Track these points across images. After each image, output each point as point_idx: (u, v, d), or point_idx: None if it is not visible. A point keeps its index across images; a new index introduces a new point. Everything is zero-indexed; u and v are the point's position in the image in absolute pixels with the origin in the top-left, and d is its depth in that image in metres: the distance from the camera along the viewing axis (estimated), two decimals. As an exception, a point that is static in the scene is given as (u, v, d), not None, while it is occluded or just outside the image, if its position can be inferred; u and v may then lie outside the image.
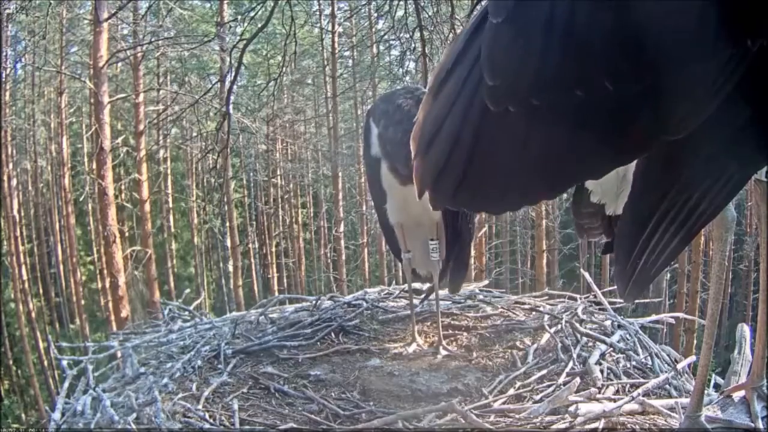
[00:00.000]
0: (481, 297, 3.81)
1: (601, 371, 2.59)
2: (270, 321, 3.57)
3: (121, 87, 14.25)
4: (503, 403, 2.36)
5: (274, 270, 18.02)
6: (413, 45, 6.61)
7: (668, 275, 13.43)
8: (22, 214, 15.79)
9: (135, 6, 10.89)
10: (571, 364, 2.68)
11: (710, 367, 1.86)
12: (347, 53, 16.43)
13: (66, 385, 3.02)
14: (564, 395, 2.22)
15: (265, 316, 3.61)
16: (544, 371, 2.66)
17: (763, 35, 0.99)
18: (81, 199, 14.98)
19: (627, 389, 2.46)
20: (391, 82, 14.25)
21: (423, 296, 3.65)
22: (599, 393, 2.38)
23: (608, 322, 3.19)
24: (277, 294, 9.94)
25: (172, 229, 17.58)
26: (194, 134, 16.51)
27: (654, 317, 3.51)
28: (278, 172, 18.43)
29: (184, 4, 13.59)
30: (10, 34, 13.15)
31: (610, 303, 3.32)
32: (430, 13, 6.14)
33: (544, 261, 13.31)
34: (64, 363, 3.21)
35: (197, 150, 16.23)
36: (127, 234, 15.03)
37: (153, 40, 12.38)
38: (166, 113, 13.34)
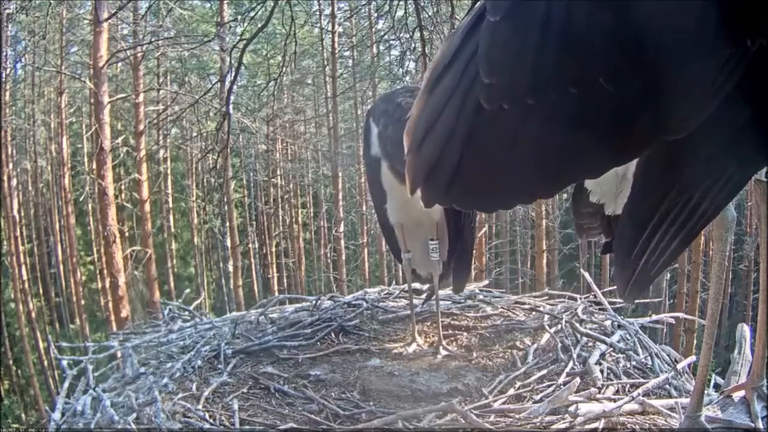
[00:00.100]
0: (481, 297, 3.81)
1: (601, 371, 2.59)
2: (270, 321, 3.57)
3: (121, 87, 14.25)
4: (503, 403, 2.36)
5: (274, 270, 18.02)
6: (413, 45, 6.61)
7: (668, 275, 13.44)
8: (22, 214, 15.80)
9: (135, 6, 10.89)
10: (571, 364, 2.68)
11: (710, 367, 1.86)
12: (347, 53, 16.44)
13: (66, 385, 3.02)
14: (564, 395, 2.22)
15: (265, 316, 3.61)
16: (544, 371, 2.66)
17: (763, 35, 0.99)
18: (81, 199, 14.98)
19: (627, 389, 2.46)
20: (391, 82, 14.25)
21: (424, 299, 3.66)
22: (599, 393, 2.38)
23: (608, 322, 3.19)
24: (277, 294, 9.94)
25: (172, 229, 17.58)
26: (194, 134, 16.52)
27: (654, 317, 3.51)
28: (278, 172, 18.43)
29: (184, 4, 13.59)
30: (10, 34, 13.15)
31: (610, 303, 3.32)
32: (430, 13, 6.15)
33: (544, 261, 13.31)
34: (64, 363, 3.21)
35: (197, 150, 16.23)
36: (127, 234, 15.04)
37: (153, 40, 12.38)
38: (166, 113, 13.34)
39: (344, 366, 2.90)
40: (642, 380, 2.51)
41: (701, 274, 11.03)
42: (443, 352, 2.98)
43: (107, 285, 11.22)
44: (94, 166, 10.89)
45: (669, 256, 1.30)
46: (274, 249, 18.38)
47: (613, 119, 1.10)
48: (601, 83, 1.05)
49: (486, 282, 4.88)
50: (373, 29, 14.57)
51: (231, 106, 7.60)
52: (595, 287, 3.49)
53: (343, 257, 14.88)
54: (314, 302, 3.82)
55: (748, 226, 12.17)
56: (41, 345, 14.77)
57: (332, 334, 3.26)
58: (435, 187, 1.24)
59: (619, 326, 3.14)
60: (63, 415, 2.74)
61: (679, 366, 2.74)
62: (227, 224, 14.45)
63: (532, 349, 2.91)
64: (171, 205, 17.38)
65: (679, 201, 1.22)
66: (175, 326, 3.56)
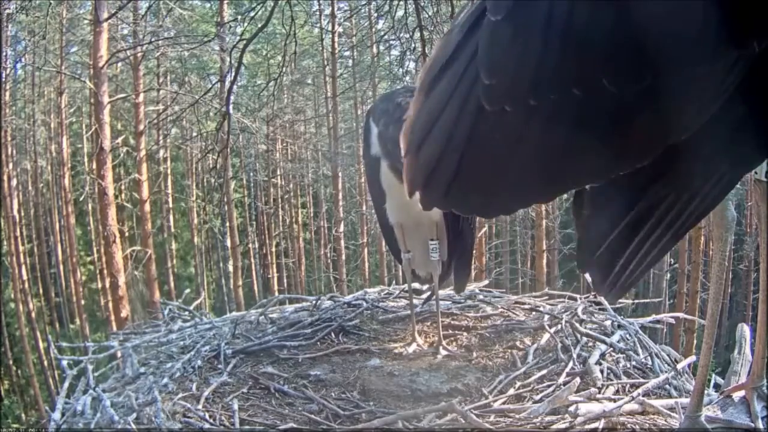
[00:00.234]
0: (481, 297, 3.81)
1: (601, 371, 2.59)
2: (270, 321, 3.57)
3: (121, 87, 14.24)
4: (503, 403, 2.36)
5: (274, 270, 18.02)
6: (413, 45, 6.61)
7: (668, 275, 13.44)
8: (22, 214, 15.80)
9: (135, 6, 10.89)
10: (571, 364, 2.68)
11: (710, 367, 1.86)
12: (347, 53, 16.44)
13: (66, 385, 3.02)
14: (564, 395, 2.22)
15: (265, 316, 3.61)
16: (544, 371, 2.66)
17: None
18: (81, 199, 14.98)
19: (627, 389, 2.46)
20: (391, 82, 14.25)
21: (424, 299, 3.65)
22: (599, 393, 2.38)
23: (608, 322, 3.19)
24: (277, 294, 9.94)
25: (172, 229, 17.57)
26: (194, 134, 16.52)
27: (654, 317, 3.51)
28: (278, 172, 18.44)
29: (184, 4, 13.59)
30: (10, 34, 13.15)
31: (610, 303, 3.32)
32: (430, 13, 6.15)
33: (544, 261, 13.31)
34: (64, 363, 3.21)
35: (197, 150, 16.24)
36: (127, 234, 15.03)
37: (153, 40, 12.38)
38: (166, 113, 13.34)
39: (344, 366, 2.90)
40: (642, 380, 2.51)
41: (701, 274, 11.03)
42: (443, 352, 2.98)
43: (107, 285, 11.22)
44: (94, 166, 10.89)
45: (656, 254, 1.27)
46: (274, 249, 18.38)
47: (618, 122, 1.07)
48: (605, 84, 1.02)
49: (486, 282, 4.88)
50: (373, 29, 14.57)
51: (231, 106, 7.60)
52: (595, 287, 3.49)
53: (343, 257, 14.88)
54: (314, 302, 3.82)
55: (748, 226, 12.16)
56: (41, 345, 14.77)
57: (332, 334, 3.26)
58: (434, 190, 1.22)
59: (619, 326, 3.14)
60: (63, 415, 2.74)
61: (679, 366, 2.74)
62: (227, 224, 14.45)
63: (532, 349, 2.91)
64: (171, 205, 17.38)
65: (665, 198, 1.19)
66: (175, 326, 3.56)
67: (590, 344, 2.92)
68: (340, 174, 14.35)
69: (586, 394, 2.32)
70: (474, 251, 4.22)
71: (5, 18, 10.31)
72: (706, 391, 1.85)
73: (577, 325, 3.08)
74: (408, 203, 2.96)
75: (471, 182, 1.20)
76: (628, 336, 3.04)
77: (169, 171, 17.29)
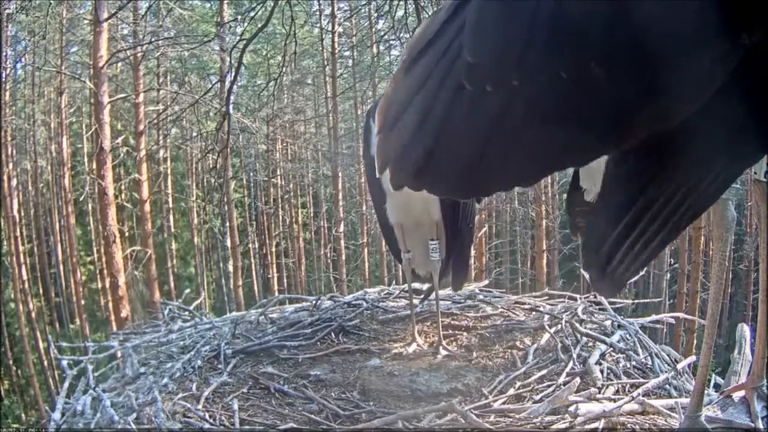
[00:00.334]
0: (481, 297, 3.81)
1: (601, 371, 2.59)
2: (270, 321, 3.57)
3: (121, 87, 14.25)
4: (503, 403, 2.36)
5: (274, 270, 18.02)
6: (413, 45, 6.59)
7: (668, 275, 13.44)
8: (22, 214, 15.80)
9: (135, 6, 10.90)
10: (571, 364, 2.67)
11: (710, 367, 1.86)
12: (347, 53, 16.44)
13: (66, 385, 3.02)
14: (564, 395, 2.22)
15: (265, 316, 3.61)
16: (544, 371, 2.66)
17: (759, 30, 0.96)
18: (81, 199, 14.98)
19: (627, 389, 2.45)
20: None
21: (423, 296, 3.65)
22: (599, 393, 2.37)
23: (608, 322, 3.19)
24: (277, 294, 9.95)
25: (172, 229, 17.58)
26: (194, 134, 16.53)
27: (654, 317, 3.51)
28: (278, 172, 18.44)
29: (184, 4, 13.60)
30: (10, 34, 13.15)
31: (610, 303, 3.32)
32: (430, 13, 6.14)
33: (544, 261, 13.31)
34: (64, 363, 3.21)
35: (197, 150, 16.24)
36: (127, 234, 15.03)
37: (153, 40, 12.38)
38: (166, 113, 13.35)
39: (344, 366, 2.90)
40: (642, 380, 2.51)
41: (701, 274, 11.02)
42: (443, 352, 2.98)
43: (107, 285, 11.22)
44: (94, 166, 10.89)
45: (653, 250, 1.24)
46: (274, 249, 18.38)
47: (603, 107, 1.06)
48: (592, 68, 1.01)
49: (486, 282, 4.88)
50: (373, 29, 14.58)
51: (231, 106, 7.60)
52: (595, 287, 3.49)
53: (343, 257, 14.88)
54: (314, 302, 3.82)
55: (748, 226, 12.17)
56: (41, 345, 14.78)
57: (332, 334, 3.26)
58: (406, 169, 1.18)
59: (619, 326, 3.14)
60: (63, 415, 2.74)
61: (679, 366, 2.74)
62: (227, 224, 14.45)
63: (532, 349, 2.91)
64: (171, 205, 17.39)
65: (663, 193, 1.17)
66: (175, 326, 3.56)
67: (590, 344, 2.91)
68: (340, 174, 14.35)
69: (586, 394, 2.32)
70: (472, 250, 4.23)
71: (5, 18, 10.31)
72: (706, 391, 1.85)
73: (577, 325, 3.08)
74: (408, 203, 2.99)
75: (446, 162, 1.17)
76: (628, 336, 3.04)
77: (169, 171, 17.30)
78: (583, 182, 2.16)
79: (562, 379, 2.53)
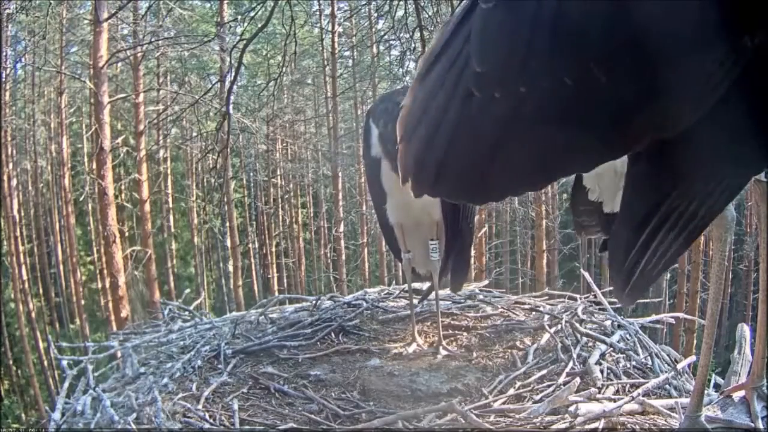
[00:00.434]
0: (481, 297, 3.81)
1: (601, 371, 2.59)
2: (270, 321, 3.57)
3: (121, 87, 14.25)
4: (503, 403, 2.36)
5: (274, 270, 18.02)
6: (413, 45, 6.60)
7: (668, 275, 13.44)
8: (22, 214, 15.80)
9: (135, 6, 10.89)
10: (571, 364, 2.67)
11: (710, 367, 1.85)
12: (347, 53, 16.44)
13: (66, 385, 3.02)
14: (564, 395, 2.22)
15: (265, 316, 3.61)
16: (544, 371, 2.66)
17: (761, 33, 0.97)
18: (81, 199, 14.98)
19: (627, 389, 2.45)
20: (391, 82, 14.25)
21: (422, 296, 3.65)
22: (599, 393, 2.37)
23: (608, 322, 3.19)
24: (277, 294, 9.94)
25: (172, 229, 17.58)
26: (194, 134, 16.51)
27: (654, 317, 3.51)
28: (278, 172, 18.43)
29: (184, 4, 13.60)
30: (10, 34, 13.15)
31: (610, 303, 3.32)
32: (430, 13, 6.15)
33: (544, 261, 13.31)
34: (64, 363, 3.21)
35: (197, 150, 16.24)
36: (127, 234, 15.03)
37: (153, 40, 12.38)
38: (166, 113, 13.35)
39: (344, 366, 2.90)
40: (642, 380, 2.51)
41: (701, 274, 11.03)
42: (443, 352, 2.98)
43: (107, 285, 11.22)
44: (94, 166, 10.89)
45: (668, 259, 1.27)
46: (274, 249, 18.38)
47: (607, 112, 1.07)
48: (595, 74, 1.02)
49: (486, 282, 4.88)
50: (373, 29, 14.58)
51: (231, 106, 7.60)
52: (595, 287, 3.49)
53: (343, 257, 14.88)
54: (314, 302, 3.82)
55: (748, 226, 12.17)
56: (41, 345, 14.77)
57: (332, 334, 3.26)
58: (424, 176, 1.22)
59: (619, 326, 3.14)
60: (63, 415, 2.74)
61: (679, 366, 2.74)
62: (227, 224, 14.46)
63: (532, 349, 2.91)
64: (171, 205, 17.38)
65: (679, 205, 1.19)
66: (175, 326, 3.56)
67: (590, 344, 2.91)
68: (340, 174, 14.35)
69: (586, 394, 2.31)
70: (473, 250, 4.23)
71: (5, 18, 10.31)
72: (706, 391, 1.85)
73: (577, 325, 3.08)
74: (408, 203, 2.99)
75: (459, 168, 1.20)
76: (628, 336, 3.04)
77: (169, 171, 17.29)
78: (586, 181, 2.16)
79: (562, 379, 2.53)
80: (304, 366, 2.90)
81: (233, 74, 7.29)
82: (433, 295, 3.40)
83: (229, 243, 14.36)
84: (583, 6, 1.03)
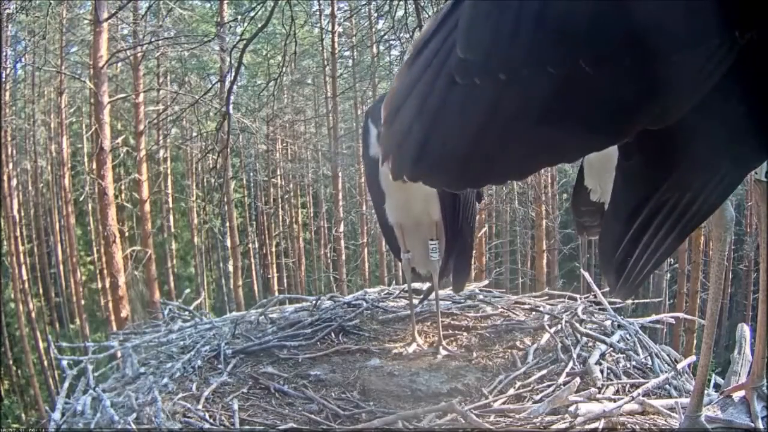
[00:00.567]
0: (481, 297, 3.81)
1: (601, 371, 2.59)
2: (270, 321, 3.57)
3: (121, 87, 14.25)
4: (503, 403, 2.36)
5: (274, 270, 18.02)
6: (413, 45, 6.60)
7: (668, 275, 13.45)
8: (22, 214, 15.80)
9: (135, 6, 10.90)
10: (571, 364, 2.67)
11: (710, 367, 1.86)
12: (347, 53, 16.44)
13: (66, 385, 3.02)
14: (564, 395, 2.22)
15: (265, 316, 3.61)
16: (544, 371, 2.66)
17: (752, 27, 0.95)
18: (81, 199, 14.98)
19: (627, 389, 2.45)
20: (391, 82, 14.21)
21: (422, 296, 3.65)
22: (599, 393, 2.37)
23: (608, 322, 3.19)
24: (277, 294, 9.94)
25: (172, 229, 17.58)
26: (194, 134, 16.52)
27: (654, 317, 3.51)
28: (278, 172, 18.44)
29: (184, 4, 13.60)
30: (10, 34, 13.15)
31: (610, 303, 3.31)
32: (430, 13, 6.14)
33: (544, 261, 13.32)
34: (64, 363, 3.21)
35: (197, 150, 16.24)
36: (127, 234, 15.03)
37: (153, 40, 12.38)
38: (166, 113, 13.35)
39: (344, 366, 2.90)
40: (642, 380, 2.51)
41: (701, 274, 11.03)
42: (443, 352, 2.98)
43: (107, 285, 11.22)
44: (94, 166, 10.89)
45: (662, 254, 1.27)
46: (274, 249, 18.38)
47: (591, 103, 1.06)
48: (580, 64, 1.01)
49: (486, 282, 4.88)
50: (373, 29, 14.58)
51: (231, 106, 7.60)
52: (595, 287, 3.49)
53: (343, 257, 14.88)
54: (314, 302, 3.82)
55: (748, 226, 12.17)
56: (41, 345, 14.78)
57: (332, 334, 3.26)
58: (404, 158, 1.22)
59: (619, 326, 3.14)
60: (63, 415, 2.74)
61: (679, 366, 2.74)
62: (227, 224, 14.45)
63: (532, 349, 2.91)
64: (171, 205, 17.39)
65: (670, 198, 1.19)
66: (175, 326, 3.56)
67: (590, 344, 2.91)
68: (340, 174, 14.35)
69: (586, 394, 2.31)
70: (474, 251, 4.23)
71: (5, 18, 10.32)
72: (706, 391, 1.85)
73: (577, 325, 3.08)
74: (407, 203, 2.99)
75: (439, 153, 1.20)
76: (628, 336, 3.04)
77: (169, 171, 17.29)
78: (588, 182, 2.16)
79: (562, 379, 2.53)
80: (304, 366, 2.90)
81: (233, 74, 7.30)
82: (433, 295, 3.40)
83: (229, 243, 14.36)
84: None
